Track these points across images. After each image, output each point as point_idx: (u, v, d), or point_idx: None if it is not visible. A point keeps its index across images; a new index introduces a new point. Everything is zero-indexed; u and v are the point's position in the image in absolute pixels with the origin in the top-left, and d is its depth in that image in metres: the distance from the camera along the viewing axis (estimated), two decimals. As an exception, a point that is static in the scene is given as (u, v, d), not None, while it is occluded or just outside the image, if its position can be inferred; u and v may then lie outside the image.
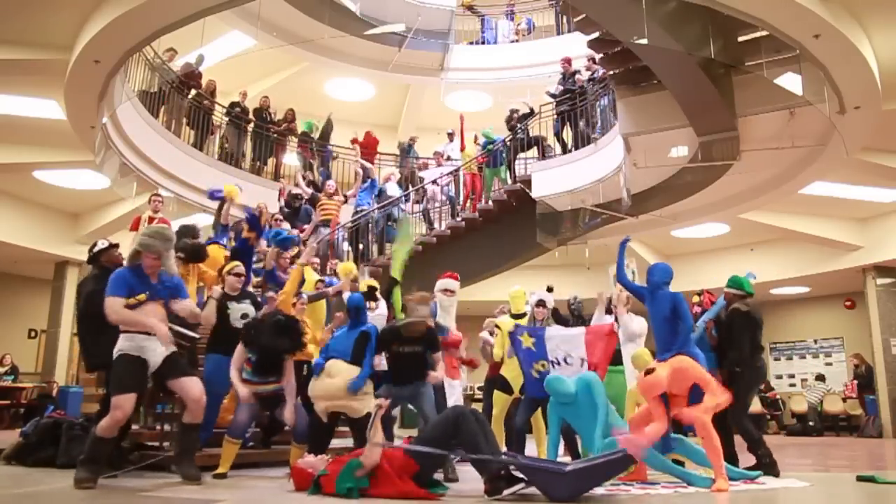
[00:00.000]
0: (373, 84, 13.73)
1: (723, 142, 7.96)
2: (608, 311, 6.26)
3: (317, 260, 8.17)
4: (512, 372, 5.67)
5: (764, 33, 6.73)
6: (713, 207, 10.38)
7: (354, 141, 11.78)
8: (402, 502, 3.72)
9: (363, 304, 5.23)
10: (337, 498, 3.83)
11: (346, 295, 6.07)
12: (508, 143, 10.71)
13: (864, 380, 13.11)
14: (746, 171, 8.63)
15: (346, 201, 10.47)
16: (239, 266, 5.56)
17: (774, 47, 6.86)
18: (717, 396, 4.48)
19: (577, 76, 10.22)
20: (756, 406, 13.42)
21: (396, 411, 6.15)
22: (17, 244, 11.76)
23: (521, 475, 4.00)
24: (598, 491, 4.04)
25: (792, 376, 15.67)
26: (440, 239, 10.34)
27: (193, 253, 6.04)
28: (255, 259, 6.95)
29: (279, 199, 10.61)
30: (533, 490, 3.94)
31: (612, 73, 8.39)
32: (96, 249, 5.31)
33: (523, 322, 5.89)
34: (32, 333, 14.26)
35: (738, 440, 5.33)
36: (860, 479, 5.00)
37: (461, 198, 11.14)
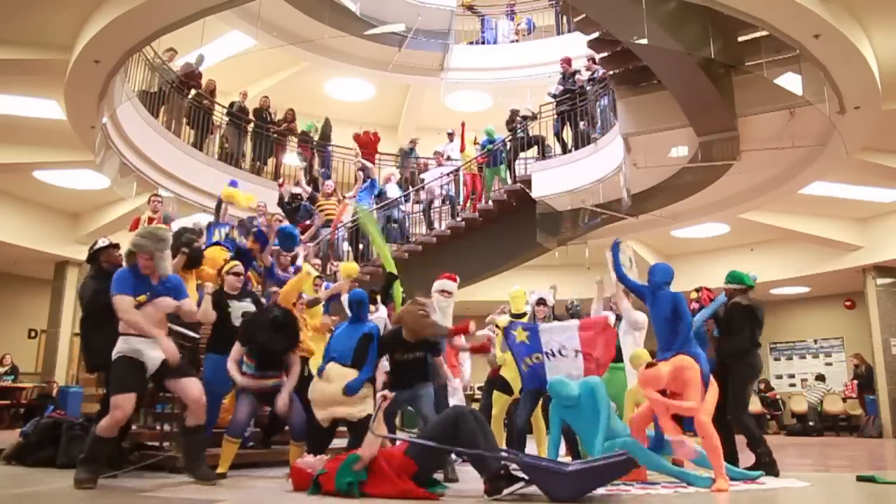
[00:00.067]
0: (373, 84, 13.73)
1: (723, 142, 7.95)
2: (609, 308, 6.23)
3: (318, 261, 8.18)
4: (512, 372, 5.66)
5: (764, 33, 6.73)
6: (713, 207, 10.37)
7: (356, 137, 11.75)
8: (402, 502, 3.72)
9: (366, 298, 5.15)
10: (337, 497, 3.83)
11: (344, 297, 6.05)
12: (508, 143, 10.71)
13: (864, 380, 13.11)
14: (746, 171, 8.62)
15: (341, 203, 10.42)
16: (238, 265, 5.54)
17: (774, 47, 6.86)
18: (693, 403, 4.40)
19: (577, 76, 10.21)
20: (756, 406, 13.43)
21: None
22: (17, 244, 11.75)
23: (521, 474, 4.00)
24: (599, 491, 4.04)
25: (792, 376, 15.66)
26: (440, 239, 10.33)
27: (192, 258, 6.02)
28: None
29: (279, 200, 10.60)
30: (533, 490, 3.93)
31: (612, 73, 8.38)
32: (96, 248, 5.30)
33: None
34: (32, 333, 14.25)
35: (738, 440, 5.33)
36: (860, 479, 5.01)
37: (461, 198, 11.15)
